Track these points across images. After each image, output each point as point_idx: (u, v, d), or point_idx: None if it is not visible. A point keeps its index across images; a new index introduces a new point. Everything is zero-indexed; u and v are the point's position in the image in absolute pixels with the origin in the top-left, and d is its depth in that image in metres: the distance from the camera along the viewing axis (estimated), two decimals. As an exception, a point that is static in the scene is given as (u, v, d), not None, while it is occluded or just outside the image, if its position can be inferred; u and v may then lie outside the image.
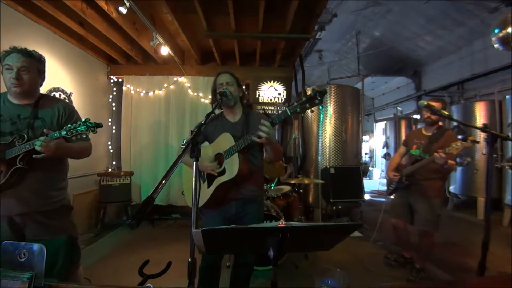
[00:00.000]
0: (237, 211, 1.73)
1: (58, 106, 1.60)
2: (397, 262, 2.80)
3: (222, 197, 1.70)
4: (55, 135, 1.41)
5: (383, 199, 2.91)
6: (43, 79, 1.61)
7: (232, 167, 1.60)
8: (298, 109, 1.34)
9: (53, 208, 1.57)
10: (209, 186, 1.68)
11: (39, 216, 1.51)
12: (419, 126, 2.63)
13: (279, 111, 4.75)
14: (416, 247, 2.68)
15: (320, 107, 4.44)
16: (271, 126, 1.46)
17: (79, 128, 1.42)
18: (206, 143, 1.85)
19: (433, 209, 2.42)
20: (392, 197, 2.82)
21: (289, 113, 1.39)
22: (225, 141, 1.67)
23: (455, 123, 5.08)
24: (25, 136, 1.44)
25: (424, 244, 2.54)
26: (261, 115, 1.91)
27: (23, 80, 1.47)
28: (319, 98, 1.30)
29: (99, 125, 1.45)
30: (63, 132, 1.42)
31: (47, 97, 1.67)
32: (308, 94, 1.33)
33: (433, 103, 2.28)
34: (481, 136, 4.70)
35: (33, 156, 1.41)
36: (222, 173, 1.65)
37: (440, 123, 2.54)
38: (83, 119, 1.44)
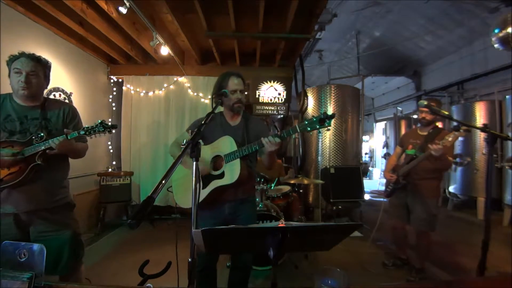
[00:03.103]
0: (229, 212, 1.73)
1: (63, 109, 1.70)
2: (395, 265, 2.79)
3: (216, 199, 1.70)
4: (74, 134, 1.51)
5: (383, 199, 2.90)
6: (48, 83, 1.68)
7: (233, 172, 1.60)
8: (308, 128, 1.40)
9: (57, 205, 1.63)
10: (204, 187, 1.67)
11: (45, 213, 1.57)
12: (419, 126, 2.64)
13: (279, 112, 4.76)
14: (414, 247, 2.68)
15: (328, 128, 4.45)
16: (280, 140, 1.50)
17: (97, 128, 1.54)
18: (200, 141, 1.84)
19: (429, 209, 2.41)
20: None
21: (299, 131, 1.44)
22: (226, 144, 1.66)
23: (455, 123, 5.08)
24: (44, 135, 1.52)
25: (422, 244, 2.55)
26: (260, 121, 1.92)
27: (31, 84, 1.54)
28: (328, 121, 1.37)
29: (114, 127, 1.60)
30: (82, 132, 1.53)
31: (51, 100, 1.75)
32: (318, 115, 1.39)
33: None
34: (481, 136, 4.70)
35: (47, 151, 1.51)
36: (221, 176, 1.64)
37: (440, 124, 2.54)
38: (99, 121, 1.56)
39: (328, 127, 1.38)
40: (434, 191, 2.46)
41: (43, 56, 1.64)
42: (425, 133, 2.49)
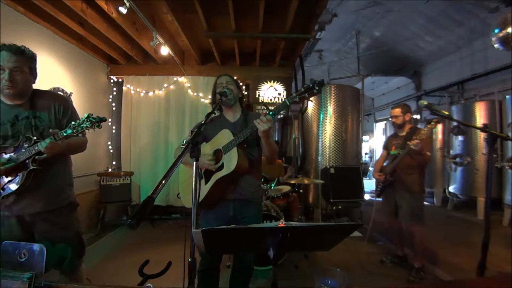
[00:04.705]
0: (235, 213, 1.71)
1: (54, 103, 1.57)
2: (392, 262, 2.88)
3: (220, 196, 1.69)
4: (62, 134, 1.38)
5: (377, 199, 2.97)
6: (35, 77, 1.54)
7: (231, 161, 1.59)
8: (297, 98, 1.38)
9: (61, 205, 1.58)
10: (206, 183, 1.67)
11: (48, 214, 1.53)
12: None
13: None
14: (409, 245, 2.76)
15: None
16: (270, 117, 1.46)
17: (83, 125, 1.38)
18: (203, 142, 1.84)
19: (414, 202, 2.58)
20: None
21: (288, 104, 1.41)
22: (224, 137, 1.67)
23: (455, 123, 5.08)
24: (32, 138, 1.42)
25: (413, 239, 2.63)
26: (259, 115, 1.91)
27: (16, 82, 1.40)
28: (317, 88, 1.33)
29: (102, 120, 1.42)
30: (69, 131, 1.38)
31: (40, 93, 1.59)
32: (306, 85, 1.36)
33: (395, 109, 2.77)
34: (481, 136, 4.70)
35: (36, 157, 1.40)
36: (220, 168, 1.63)
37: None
38: (85, 115, 1.40)
39: (319, 94, 1.35)
40: (418, 185, 2.62)
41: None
42: (404, 134, 2.73)
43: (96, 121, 1.39)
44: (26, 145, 1.42)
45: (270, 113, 1.46)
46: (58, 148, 1.42)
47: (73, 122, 1.40)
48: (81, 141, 1.64)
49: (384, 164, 2.84)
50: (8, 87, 1.38)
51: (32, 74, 1.51)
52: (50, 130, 1.39)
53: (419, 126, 3.38)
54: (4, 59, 1.36)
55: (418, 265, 2.60)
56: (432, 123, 2.39)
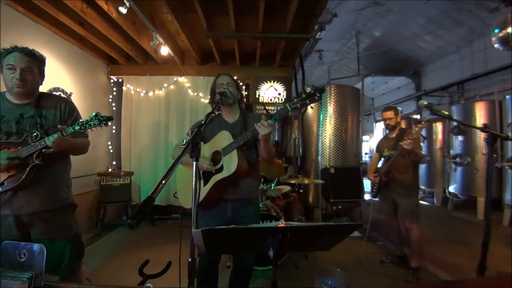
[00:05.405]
0: (233, 213, 1.71)
1: (60, 104, 1.62)
2: (393, 262, 2.90)
3: (218, 197, 1.69)
4: (70, 130, 1.43)
5: (374, 199, 3.02)
6: (42, 79, 1.61)
7: (231, 164, 1.59)
8: (298, 104, 1.38)
9: (60, 206, 1.59)
10: (205, 184, 1.67)
11: (47, 214, 1.53)
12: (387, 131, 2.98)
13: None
14: (408, 244, 2.79)
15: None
16: (271, 121, 1.46)
17: (92, 122, 1.45)
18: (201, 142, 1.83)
19: (410, 199, 2.66)
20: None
21: (290, 109, 1.41)
22: (223, 139, 1.67)
23: (455, 123, 5.08)
24: (38, 133, 1.45)
25: (412, 237, 2.65)
26: (258, 116, 1.92)
27: (26, 81, 1.46)
28: (318, 95, 1.35)
29: (110, 118, 1.49)
30: (77, 127, 1.44)
31: (47, 95, 1.67)
32: (308, 91, 1.37)
33: (387, 112, 2.84)
34: (481, 136, 4.70)
35: (43, 150, 1.44)
36: (220, 170, 1.63)
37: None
38: (93, 113, 1.47)
39: (319, 101, 1.37)
40: (413, 182, 2.70)
41: (43, 55, 1.58)
42: (394, 135, 2.81)
43: (104, 119, 1.47)
44: (31, 141, 1.44)
45: (272, 118, 1.46)
46: (65, 143, 1.46)
47: (81, 120, 1.47)
48: (85, 143, 1.67)
49: (379, 166, 2.89)
50: (18, 85, 1.44)
51: (41, 75, 1.58)
52: (58, 126, 1.44)
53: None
54: (16, 59, 1.44)
55: (415, 265, 2.61)
56: (422, 122, 2.48)
